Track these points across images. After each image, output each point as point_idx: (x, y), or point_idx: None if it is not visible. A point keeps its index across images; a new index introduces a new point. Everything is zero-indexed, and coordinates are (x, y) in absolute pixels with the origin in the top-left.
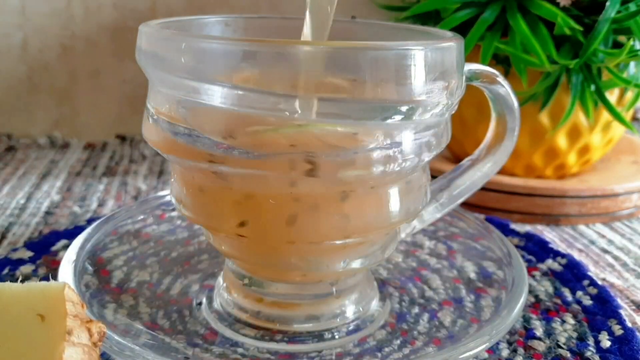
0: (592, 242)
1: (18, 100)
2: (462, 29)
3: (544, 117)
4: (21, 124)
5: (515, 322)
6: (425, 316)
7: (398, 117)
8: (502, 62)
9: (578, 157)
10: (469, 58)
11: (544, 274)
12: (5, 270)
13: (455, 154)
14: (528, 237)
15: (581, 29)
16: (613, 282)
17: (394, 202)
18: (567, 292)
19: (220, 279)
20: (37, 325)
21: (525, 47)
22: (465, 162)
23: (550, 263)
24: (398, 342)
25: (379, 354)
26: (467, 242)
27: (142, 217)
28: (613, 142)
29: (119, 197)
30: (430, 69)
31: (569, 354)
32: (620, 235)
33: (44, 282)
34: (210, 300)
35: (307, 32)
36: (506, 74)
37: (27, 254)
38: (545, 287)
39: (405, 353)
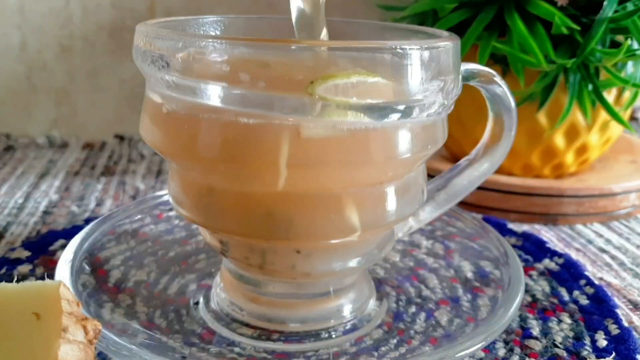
0: (590, 242)
1: (16, 99)
2: (459, 29)
3: (542, 117)
4: (19, 123)
5: (511, 321)
6: (422, 315)
7: (395, 116)
8: (499, 61)
9: (576, 157)
10: (467, 58)
11: (541, 273)
12: (3, 270)
13: (453, 153)
14: (525, 236)
15: (579, 28)
16: (610, 281)
17: (391, 201)
18: (564, 292)
19: (217, 279)
20: (33, 324)
21: (522, 46)
22: (463, 161)
23: (547, 262)
24: (395, 341)
25: (376, 353)
26: (465, 242)
27: (139, 216)
28: (611, 141)
29: (117, 197)
30: (426, 69)
31: (565, 354)
32: (618, 234)
33: (39, 281)
34: (207, 300)
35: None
36: (504, 74)
37: (25, 253)
38: (542, 287)
39: (401, 352)
